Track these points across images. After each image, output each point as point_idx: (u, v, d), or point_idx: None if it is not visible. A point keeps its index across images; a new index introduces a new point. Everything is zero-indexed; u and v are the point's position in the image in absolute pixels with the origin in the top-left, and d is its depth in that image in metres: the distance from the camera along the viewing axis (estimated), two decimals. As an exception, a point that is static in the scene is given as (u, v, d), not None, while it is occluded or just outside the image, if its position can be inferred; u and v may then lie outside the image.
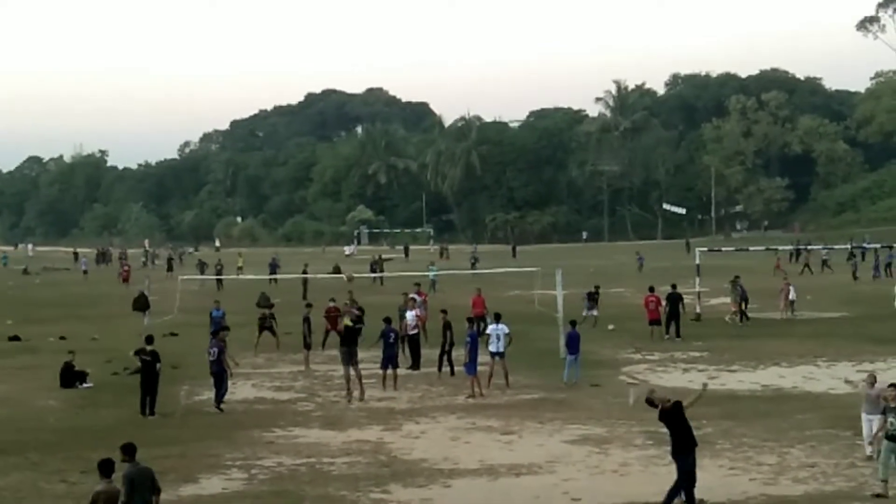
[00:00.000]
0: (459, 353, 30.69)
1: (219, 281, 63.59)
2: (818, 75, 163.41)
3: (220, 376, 27.95)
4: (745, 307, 46.50)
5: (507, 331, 30.46)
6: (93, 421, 26.61)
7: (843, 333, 41.27)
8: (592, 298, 46.41)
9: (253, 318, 40.77)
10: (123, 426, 25.78)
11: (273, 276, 65.86)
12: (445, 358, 32.79)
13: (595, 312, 45.74)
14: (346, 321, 30.92)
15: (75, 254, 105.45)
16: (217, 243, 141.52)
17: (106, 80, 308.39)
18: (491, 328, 30.60)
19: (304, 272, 62.95)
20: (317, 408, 28.26)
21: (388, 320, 31.45)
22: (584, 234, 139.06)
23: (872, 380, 20.98)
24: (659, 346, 38.41)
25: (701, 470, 19.81)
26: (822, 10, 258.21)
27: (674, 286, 42.66)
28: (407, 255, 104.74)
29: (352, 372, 29.15)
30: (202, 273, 71.72)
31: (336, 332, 34.69)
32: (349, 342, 29.76)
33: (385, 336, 30.67)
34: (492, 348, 30.19)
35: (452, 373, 32.19)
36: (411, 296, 40.18)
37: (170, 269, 78.53)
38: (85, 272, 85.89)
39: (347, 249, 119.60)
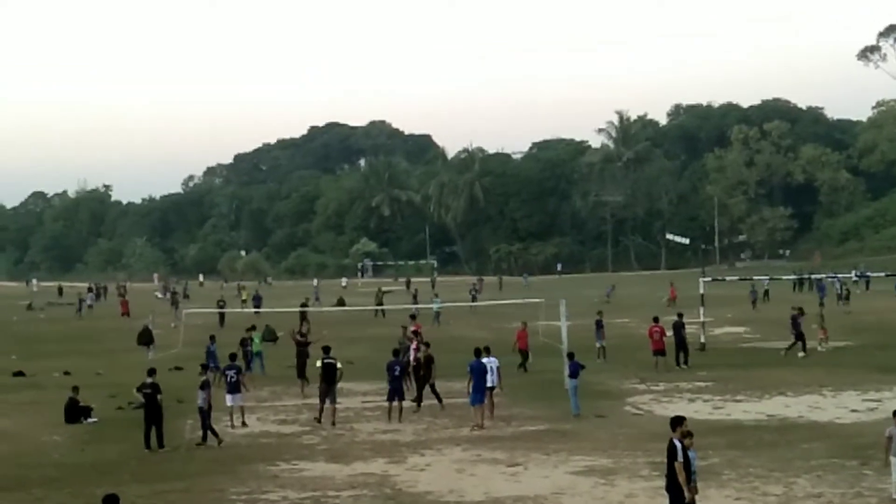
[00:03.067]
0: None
1: (221, 316, 62.41)
2: (820, 105, 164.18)
3: (206, 413, 27.91)
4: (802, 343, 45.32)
5: (497, 364, 30.42)
6: (97, 456, 26.57)
7: (847, 362, 41.18)
8: (600, 326, 46.28)
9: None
10: (128, 461, 25.79)
11: (257, 310, 64.48)
12: (430, 390, 32.76)
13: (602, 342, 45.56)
14: (318, 362, 31.18)
15: (90, 288, 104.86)
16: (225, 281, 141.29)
17: (110, 115, 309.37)
18: (483, 361, 30.37)
19: (304, 305, 62.44)
20: (321, 441, 28.20)
21: (395, 353, 31.56)
22: (559, 266, 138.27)
23: None
24: (664, 377, 38.34)
25: (707, 500, 19.81)
26: (824, 40, 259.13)
27: (679, 315, 42.69)
28: (409, 287, 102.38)
29: (328, 404, 30.13)
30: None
31: (294, 340, 36.60)
32: (327, 379, 30.16)
33: (390, 369, 30.72)
34: (487, 383, 30.06)
35: (441, 405, 32.08)
36: (411, 328, 40.46)
37: (174, 304, 76.05)
38: (90, 306, 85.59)
39: (343, 281, 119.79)
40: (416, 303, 69.74)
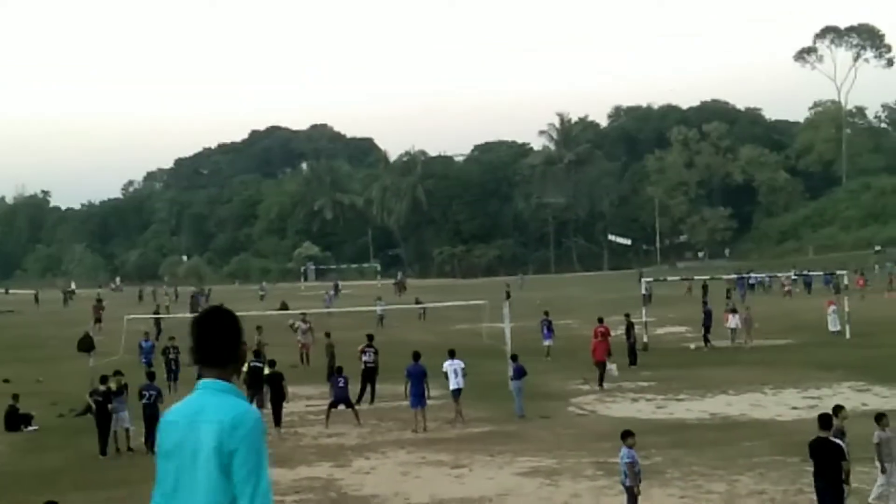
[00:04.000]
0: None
1: (157, 321, 61.40)
2: (758, 106, 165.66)
3: (153, 420, 27.51)
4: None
5: (462, 366, 30.60)
6: (38, 464, 26.29)
7: (787, 360, 41.64)
8: (548, 326, 46.71)
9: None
10: (70, 468, 25.55)
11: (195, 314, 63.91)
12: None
13: (550, 341, 46.01)
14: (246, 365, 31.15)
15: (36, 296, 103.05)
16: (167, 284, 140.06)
17: (48, 120, 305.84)
18: (446, 365, 30.61)
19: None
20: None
21: (339, 370, 31.46)
22: (521, 277, 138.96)
23: (887, 421, 19.37)
24: (606, 377, 38.53)
25: (651, 499, 19.94)
26: (761, 42, 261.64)
27: (627, 315, 43.20)
28: (336, 292, 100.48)
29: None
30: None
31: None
32: (252, 385, 30.30)
33: (335, 382, 30.81)
34: (452, 385, 30.26)
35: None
36: (297, 323, 42.57)
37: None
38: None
39: (261, 291, 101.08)
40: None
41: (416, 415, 29.35)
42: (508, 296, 75.90)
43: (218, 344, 5.25)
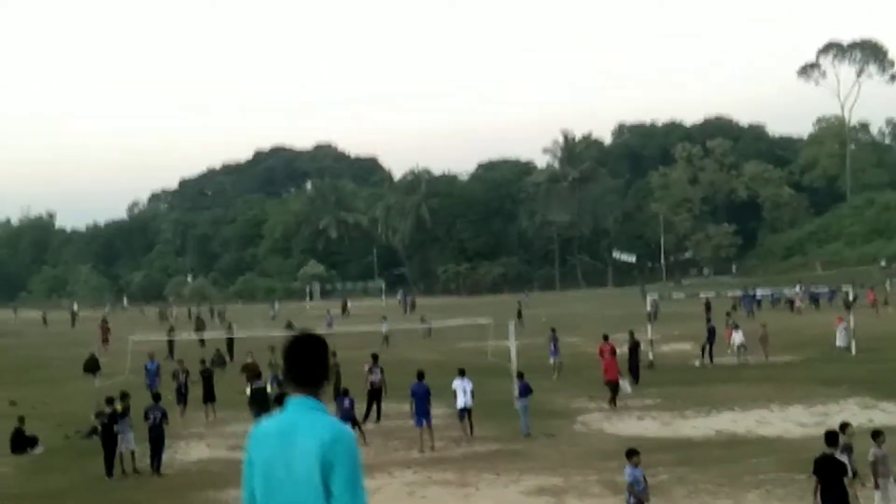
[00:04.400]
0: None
1: (170, 343, 61.36)
2: (762, 122, 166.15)
3: (159, 441, 27.53)
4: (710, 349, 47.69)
5: (471, 386, 30.66)
6: (44, 486, 26.27)
7: (793, 377, 41.56)
8: (555, 342, 46.80)
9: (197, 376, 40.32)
10: (76, 490, 25.55)
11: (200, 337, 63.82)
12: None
13: (558, 358, 46.06)
14: (249, 386, 31.35)
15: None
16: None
17: (53, 142, 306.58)
18: (456, 383, 30.66)
19: (230, 330, 61.87)
20: (272, 466, 28.00)
21: (345, 391, 31.36)
22: (526, 294, 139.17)
23: (883, 438, 19.20)
24: (619, 394, 38.45)
25: (658, 517, 19.90)
26: (765, 58, 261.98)
27: (631, 333, 43.16)
28: (344, 311, 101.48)
29: None
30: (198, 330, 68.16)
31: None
32: (256, 404, 30.36)
33: (340, 403, 30.79)
34: (460, 404, 30.31)
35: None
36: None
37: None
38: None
39: (271, 311, 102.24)
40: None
41: (421, 434, 29.32)
42: (520, 314, 76.07)
43: (309, 366, 5.61)
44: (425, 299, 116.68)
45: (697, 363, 48.17)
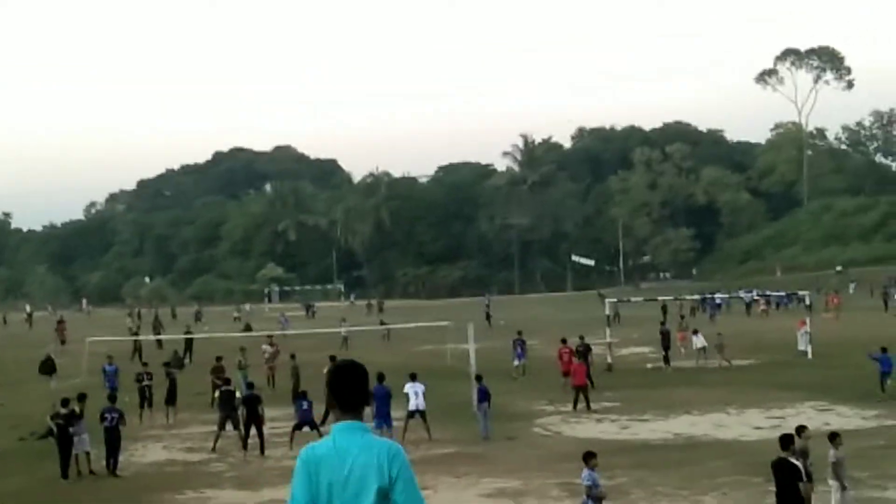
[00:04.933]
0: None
1: (136, 344, 60.48)
2: (720, 127, 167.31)
3: (115, 443, 27.34)
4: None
5: (423, 388, 30.70)
6: (-1, 488, 26.03)
7: (751, 381, 41.80)
8: (521, 345, 46.92)
9: (161, 378, 40.03)
10: (31, 492, 25.34)
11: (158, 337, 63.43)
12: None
13: (523, 361, 46.26)
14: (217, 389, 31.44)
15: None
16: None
17: (9, 141, 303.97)
18: (408, 387, 30.73)
19: (187, 332, 61.65)
20: (229, 468, 27.92)
21: (304, 394, 31.40)
22: (488, 299, 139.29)
23: (840, 440, 19.50)
24: (571, 398, 38.54)
25: (616, 520, 19.95)
26: (723, 64, 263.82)
27: (581, 338, 43.19)
28: (309, 312, 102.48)
29: (229, 428, 30.40)
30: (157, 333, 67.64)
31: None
32: (224, 408, 30.55)
33: (299, 405, 30.72)
34: (411, 406, 30.38)
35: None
36: (263, 347, 45.28)
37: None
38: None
39: (236, 313, 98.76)
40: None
41: (381, 435, 29.26)
42: (489, 316, 76.34)
43: (354, 391, 6.07)
44: (384, 302, 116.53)
45: (650, 366, 48.38)
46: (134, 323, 78.15)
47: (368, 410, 28.28)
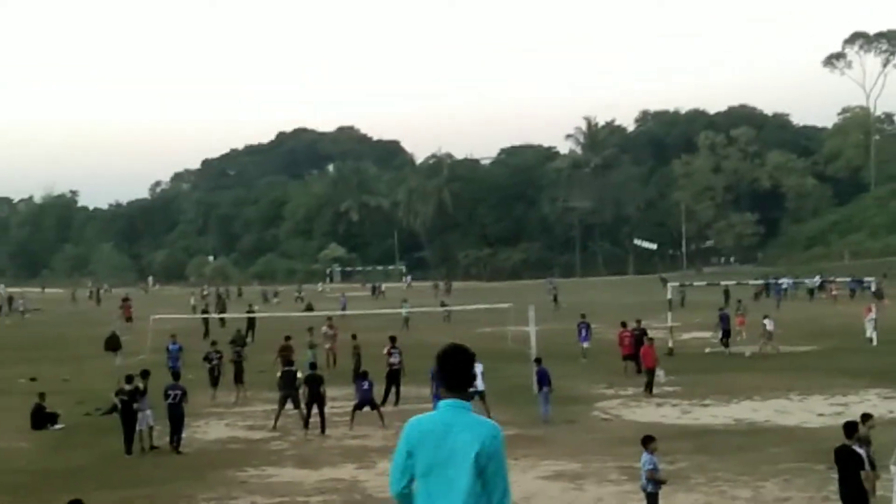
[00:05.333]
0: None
1: (206, 322, 60.91)
2: (786, 111, 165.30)
3: (179, 419, 27.62)
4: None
5: (482, 369, 30.59)
6: (65, 462, 26.39)
7: (814, 367, 41.38)
8: (587, 328, 46.85)
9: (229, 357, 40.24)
10: (95, 467, 25.66)
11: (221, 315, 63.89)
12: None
13: (586, 344, 46.17)
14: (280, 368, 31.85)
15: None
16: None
17: (77, 120, 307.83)
18: None
19: (249, 311, 62.15)
20: (290, 446, 28.13)
21: (364, 374, 31.48)
22: (551, 280, 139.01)
23: None
24: (632, 381, 38.41)
25: (675, 505, 19.87)
26: (790, 47, 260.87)
27: (638, 322, 42.86)
28: (374, 293, 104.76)
29: (289, 407, 30.67)
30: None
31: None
32: (285, 387, 30.79)
33: (359, 385, 30.83)
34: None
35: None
36: (323, 329, 45.08)
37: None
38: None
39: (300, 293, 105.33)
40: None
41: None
42: (556, 299, 76.36)
43: (460, 373, 6.73)
44: (452, 283, 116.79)
45: (725, 351, 47.75)
46: (201, 301, 79.04)
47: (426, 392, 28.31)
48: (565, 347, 45.76)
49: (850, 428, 17.42)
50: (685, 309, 61.24)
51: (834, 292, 77.22)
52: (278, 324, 57.14)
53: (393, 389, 34.85)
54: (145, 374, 28.36)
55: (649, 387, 35.63)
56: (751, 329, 49.41)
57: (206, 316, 62.83)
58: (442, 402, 6.63)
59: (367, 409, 30.38)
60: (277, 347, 40.53)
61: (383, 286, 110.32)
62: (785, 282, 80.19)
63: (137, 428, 27.24)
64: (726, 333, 47.80)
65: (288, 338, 41.05)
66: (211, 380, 37.19)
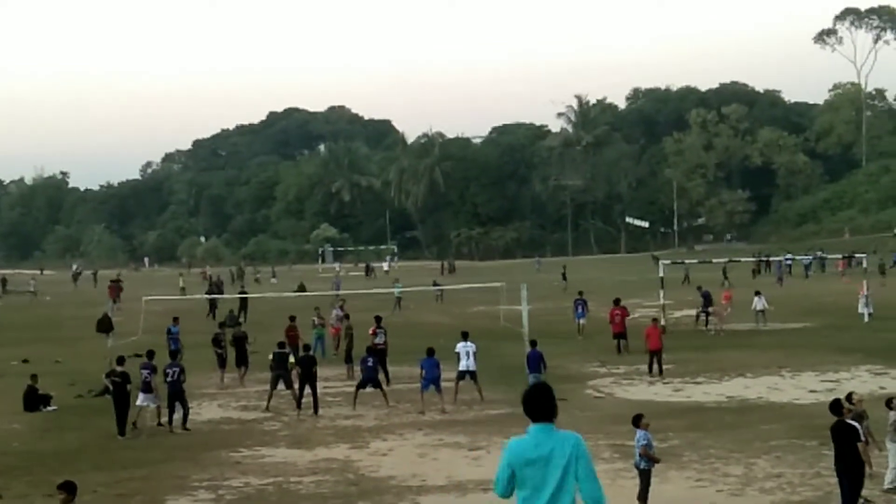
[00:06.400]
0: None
1: (212, 303, 60.66)
2: (777, 88, 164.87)
3: (177, 397, 27.74)
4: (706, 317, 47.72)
5: (475, 349, 30.66)
6: (57, 444, 26.41)
7: (806, 344, 41.51)
8: (584, 304, 47.04)
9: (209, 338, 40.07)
10: (88, 449, 25.69)
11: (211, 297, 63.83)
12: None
13: (582, 320, 46.37)
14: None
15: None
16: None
17: (66, 101, 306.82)
18: (459, 346, 30.69)
19: (242, 291, 62.17)
20: (283, 427, 28.16)
21: (369, 350, 31.62)
22: (538, 260, 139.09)
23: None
24: (624, 360, 38.51)
25: (668, 482, 19.97)
26: (781, 23, 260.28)
27: (616, 301, 42.61)
28: (368, 273, 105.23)
29: (282, 387, 30.65)
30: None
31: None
32: (277, 368, 30.80)
33: (364, 361, 30.89)
34: (461, 367, 30.36)
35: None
36: (334, 311, 43.68)
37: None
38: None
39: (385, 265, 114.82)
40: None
41: (422, 397, 29.56)
42: (565, 276, 76.15)
43: (547, 408, 8.46)
44: (437, 263, 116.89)
45: (705, 329, 47.99)
46: (204, 282, 79.42)
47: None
48: (558, 326, 45.86)
49: (836, 406, 17.60)
50: (671, 287, 60.85)
51: (840, 268, 76.65)
52: (266, 305, 57.32)
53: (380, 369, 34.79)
54: (150, 355, 28.49)
55: (659, 368, 35.10)
56: (738, 306, 49.53)
57: (196, 297, 62.81)
58: (532, 427, 8.38)
59: (370, 388, 30.38)
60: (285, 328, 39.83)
61: (385, 266, 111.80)
62: (788, 258, 79.26)
63: (146, 404, 27.42)
64: (706, 311, 48.22)
65: (293, 318, 40.64)
66: (219, 361, 36.97)
